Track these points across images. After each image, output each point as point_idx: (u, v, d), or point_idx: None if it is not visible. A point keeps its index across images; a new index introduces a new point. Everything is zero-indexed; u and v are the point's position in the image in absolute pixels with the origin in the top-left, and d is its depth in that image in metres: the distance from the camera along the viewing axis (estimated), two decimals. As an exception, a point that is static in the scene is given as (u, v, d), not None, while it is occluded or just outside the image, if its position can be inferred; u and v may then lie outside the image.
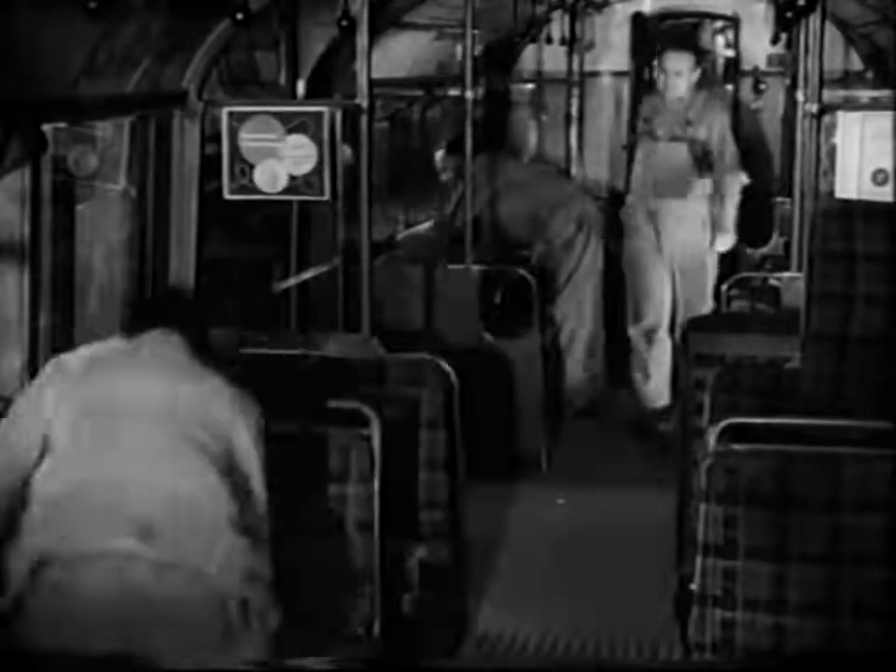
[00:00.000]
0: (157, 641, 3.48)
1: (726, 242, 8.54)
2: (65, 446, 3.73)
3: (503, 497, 7.30)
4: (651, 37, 10.82)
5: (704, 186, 8.49)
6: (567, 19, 10.83)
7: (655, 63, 8.85)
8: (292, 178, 5.56)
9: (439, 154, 9.26)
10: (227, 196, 5.64)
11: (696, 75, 8.59)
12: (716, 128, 8.53)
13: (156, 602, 3.52)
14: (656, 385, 8.63)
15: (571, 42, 10.92)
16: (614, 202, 9.62)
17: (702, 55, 9.12)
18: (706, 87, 9.04)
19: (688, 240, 8.48)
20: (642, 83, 10.78)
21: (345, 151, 7.17)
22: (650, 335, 8.62)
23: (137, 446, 3.71)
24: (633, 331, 8.70)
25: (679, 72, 8.51)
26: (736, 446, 4.32)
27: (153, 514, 3.60)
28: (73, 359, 3.89)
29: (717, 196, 8.48)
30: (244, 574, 3.63)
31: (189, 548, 3.59)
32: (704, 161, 8.47)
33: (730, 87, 11.47)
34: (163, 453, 3.69)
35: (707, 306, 8.36)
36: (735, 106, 11.19)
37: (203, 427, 3.72)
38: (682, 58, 8.57)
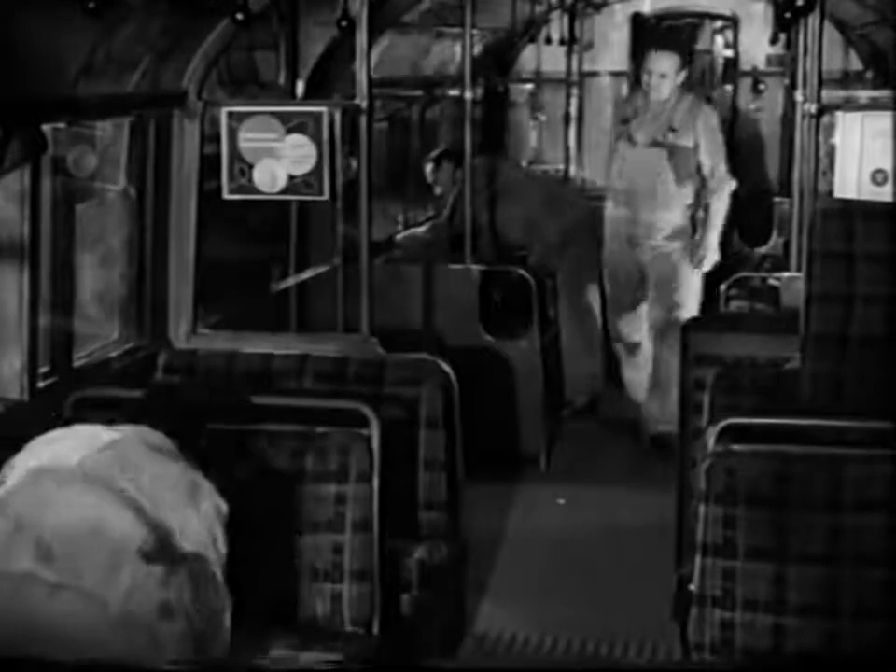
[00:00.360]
0: None
1: (710, 261, 8.05)
2: None
3: (503, 497, 7.29)
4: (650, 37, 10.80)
5: (683, 195, 8.04)
6: (566, 19, 10.85)
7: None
8: (291, 178, 5.56)
9: (428, 167, 9.19)
10: (226, 196, 5.63)
11: (682, 76, 8.05)
12: (704, 135, 8.00)
13: (51, 624, 3.41)
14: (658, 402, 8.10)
15: (570, 42, 10.94)
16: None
17: (689, 56, 8.45)
18: (694, 89, 8.57)
19: (661, 251, 8.10)
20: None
21: (350, 164, 7.12)
22: (630, 347, 8.48)
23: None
24: (614, 342, 8.56)
25: (663, 74, 7.96)
26: (736, 446, 4.31)
27: (52, 535, 3.47)
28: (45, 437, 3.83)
29: (698, 206, 8.06)
30: (159, 607, 3.46)
31: (88, 571, 3.49)
32: (685, 170, 7.97)
33: (729, 87, 11.48)
34: (69, 477, 3.60)
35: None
36: (734, 107, 11.20)
37: (132, 483, 3.62)
38: (667, 59, 8.00)
